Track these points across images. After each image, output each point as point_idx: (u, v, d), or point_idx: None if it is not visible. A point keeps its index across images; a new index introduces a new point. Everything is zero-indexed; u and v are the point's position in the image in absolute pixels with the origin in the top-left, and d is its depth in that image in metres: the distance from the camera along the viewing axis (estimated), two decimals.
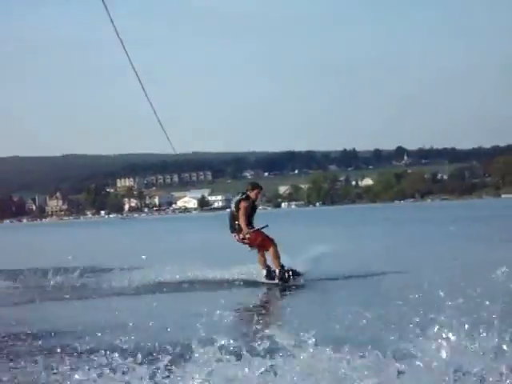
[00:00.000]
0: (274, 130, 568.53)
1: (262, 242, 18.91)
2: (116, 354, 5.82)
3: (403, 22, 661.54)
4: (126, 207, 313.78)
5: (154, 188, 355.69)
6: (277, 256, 18.78)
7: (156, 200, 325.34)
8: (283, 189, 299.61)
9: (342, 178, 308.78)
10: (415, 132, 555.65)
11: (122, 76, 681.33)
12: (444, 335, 5.60)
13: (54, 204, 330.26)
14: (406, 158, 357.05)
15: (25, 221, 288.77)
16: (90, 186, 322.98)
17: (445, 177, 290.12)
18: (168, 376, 5.63)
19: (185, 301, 16.94)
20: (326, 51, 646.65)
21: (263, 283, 18.71)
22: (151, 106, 9.44)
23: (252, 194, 19.36)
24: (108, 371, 5.71)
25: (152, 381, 5.60)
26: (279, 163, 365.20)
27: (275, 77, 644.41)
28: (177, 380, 5.58)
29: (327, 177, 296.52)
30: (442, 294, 6.17)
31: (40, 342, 10.78)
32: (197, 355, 5.62)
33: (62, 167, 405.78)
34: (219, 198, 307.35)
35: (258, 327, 6.32)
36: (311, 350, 5.59)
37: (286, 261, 18.86)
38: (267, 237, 18.97)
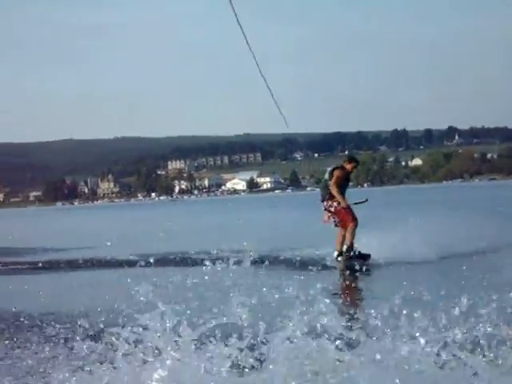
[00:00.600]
0: (324, 111, 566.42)
1: (345, 216, 18.33)
2: None
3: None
4: (177, 189, 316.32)
5: (205, 170, 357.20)
6: (353, 235, 18.27)
7: (206, 182, 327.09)
8: None
9: (390, 159, 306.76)
10: (467, 111, 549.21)
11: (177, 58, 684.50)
12: None
13: (105, 186, 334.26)
14: (457, 137, 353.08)
15: (76, 203, 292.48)
16: (141, 168, 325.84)
17: (494, 156, 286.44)
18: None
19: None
20: (377, 29, 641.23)
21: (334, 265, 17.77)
22: (266, 83, 9.74)
23: (348, 167, 18.90)
24: None
25: None
26: (329, 144, 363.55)
27: (325, 57, 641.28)
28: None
29: (376, 158, 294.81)
30: None
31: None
32: None
33: (114, 150, 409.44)
34: (268, 179, 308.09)
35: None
36: None
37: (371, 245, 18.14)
38: (352, 213, 18.44)
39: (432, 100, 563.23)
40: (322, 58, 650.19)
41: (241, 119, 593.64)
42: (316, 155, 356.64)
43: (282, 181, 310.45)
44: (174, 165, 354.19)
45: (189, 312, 5.70)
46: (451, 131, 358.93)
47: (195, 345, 5.39)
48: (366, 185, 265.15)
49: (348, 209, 18.39)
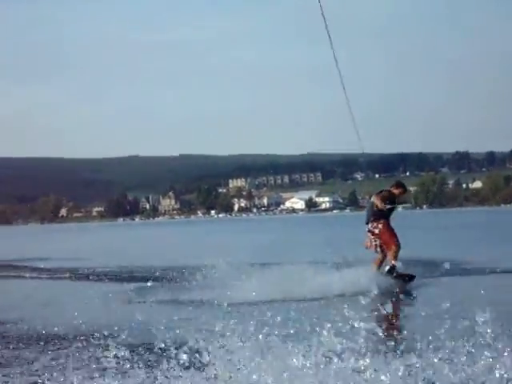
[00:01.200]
0: (386, 132, 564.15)
1: (389, 238, 18.22)
2: None
3: None
4: (236, 207, 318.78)
5: (265, 188, 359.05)
6: (395, 257, 18.08)
7: (265, 200, 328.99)
8: None
9: (451, 181, 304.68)
10: None
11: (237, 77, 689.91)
12: None
13: (166, 203, 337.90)
14: None
15: (137, 219, 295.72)
16: (202, 185, 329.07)
17: None
18: None
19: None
20: (440, 48, 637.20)
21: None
22: (348, 104, 10.00)
23: (395, 191, 18.75)
24: None
25: None
26: (391, 165, 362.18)
27: (388, 79, 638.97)
28: None
29: (436, 179, 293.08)
30: None
31: None
32: None
33: (177, 167, 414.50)
34: (326, 199, 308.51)
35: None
36: None
37: None
38: (395, 236, 18.28)
39: (495, 122, 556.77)
40: (385, 80, 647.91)
41: (305, 139, 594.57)
42: (377, 176, 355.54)
43: (341, 200, 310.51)
44: (235, 183, 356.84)
45: None
46: None
47: None
48: (424, 206, 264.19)
49: (392, 231, 18.33)
